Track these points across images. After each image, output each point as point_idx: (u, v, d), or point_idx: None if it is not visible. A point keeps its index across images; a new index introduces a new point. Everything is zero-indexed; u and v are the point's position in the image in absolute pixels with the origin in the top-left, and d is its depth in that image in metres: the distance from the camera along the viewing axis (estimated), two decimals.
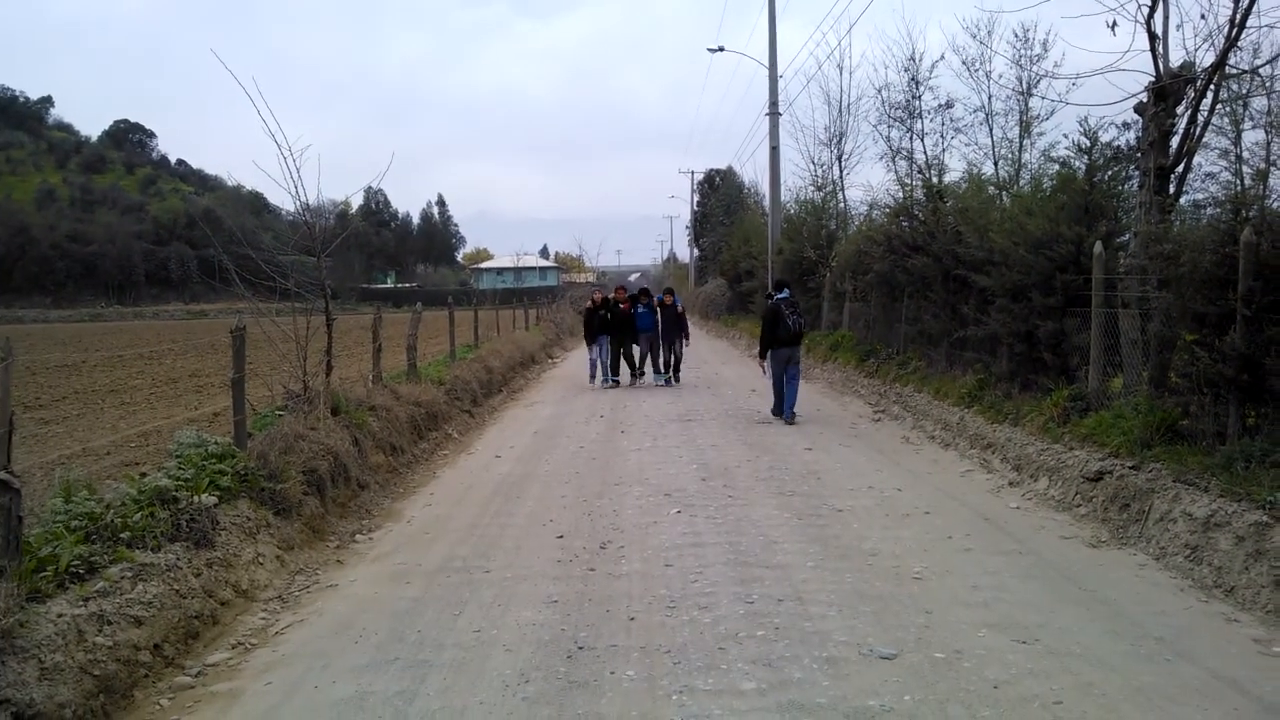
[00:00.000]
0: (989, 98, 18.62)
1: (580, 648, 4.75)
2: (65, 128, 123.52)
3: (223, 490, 6.39)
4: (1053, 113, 17.87)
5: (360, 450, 8.81)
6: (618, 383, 17.31)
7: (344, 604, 5.65)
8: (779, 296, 12.57)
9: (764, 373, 12.90)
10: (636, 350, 17.69)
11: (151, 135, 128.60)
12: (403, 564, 6.43)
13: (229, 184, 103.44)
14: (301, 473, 7.36)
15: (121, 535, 5.24)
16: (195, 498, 5.96)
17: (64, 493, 5.48)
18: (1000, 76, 20.75)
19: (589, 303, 18.09)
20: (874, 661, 4.45)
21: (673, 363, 17.44)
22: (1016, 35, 19.91)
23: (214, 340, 19.97)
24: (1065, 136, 17.45)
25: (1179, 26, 9.93)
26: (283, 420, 8.04)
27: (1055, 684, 4.15)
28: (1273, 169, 14.28)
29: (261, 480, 6.85)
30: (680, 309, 17.48)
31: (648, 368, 17.68)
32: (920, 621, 4.96)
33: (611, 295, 17.74)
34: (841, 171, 24.45)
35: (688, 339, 17.93)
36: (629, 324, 17.10)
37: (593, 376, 17.61)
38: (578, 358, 16.18)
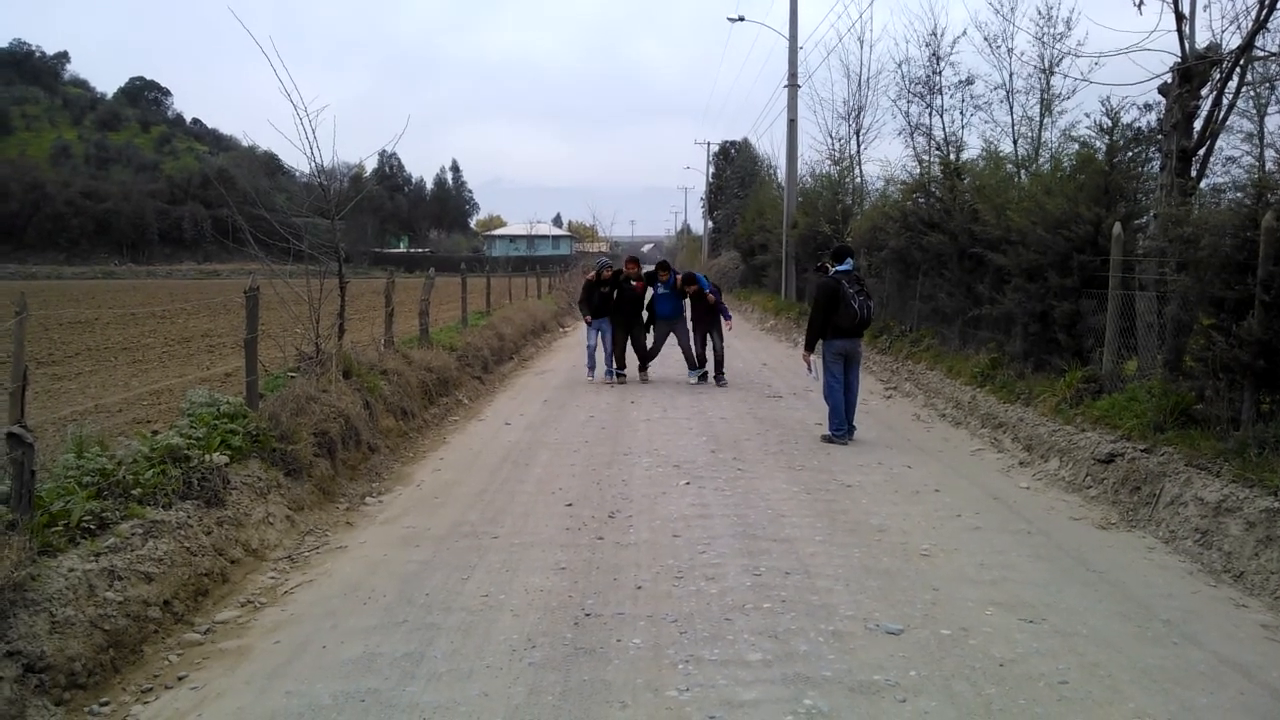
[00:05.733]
0: (1010, 75, 18.41)
1: (587, 615, 4.77)
2: (81, 84, 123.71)
3: (234, 450, 6.42)
4: (1074, 92, 17.56)
5: (371, 413, 8.83)
6: (624, 376, 13.90)
7: (353, 565, 5.69)
8: (838, 269, 9.45)
9: (809, 371, 9.89)
10: (650, 338, 14.14)
11: (167, 93, 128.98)
12: (412, 527, 6.46)
13: (244, 144, 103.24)
14: (312, 434, 7.39)
15: (133, 492, 5.29)
16: (207, 456, 5.99)
17: (76, 448, 5.51)
18: (1022, 54, 20.49)
19: (589, 274, 14.42)
20: (880, 636, 4.46)
21: (712, 359, 13.59)
22: (1040, 12, 19.60)
23: (227, 300, 20.00)
24: (1086, 116, 17.14)
25: (1206, 7, 9.74)
26: (294, 382, 8.06)
27: (1061, 663, 4.15)
28: None
29: (273, 441, 6.88)
30: (714, 297, 13.50)
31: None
32: (927, 598, 4.96)
33: (622, 270, 13.97)
34: (859, 146, 24.28)
35: (729, 319, 13.75)
36: (638, 306, 13.80)
37: (591, 368, 14.08)
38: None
